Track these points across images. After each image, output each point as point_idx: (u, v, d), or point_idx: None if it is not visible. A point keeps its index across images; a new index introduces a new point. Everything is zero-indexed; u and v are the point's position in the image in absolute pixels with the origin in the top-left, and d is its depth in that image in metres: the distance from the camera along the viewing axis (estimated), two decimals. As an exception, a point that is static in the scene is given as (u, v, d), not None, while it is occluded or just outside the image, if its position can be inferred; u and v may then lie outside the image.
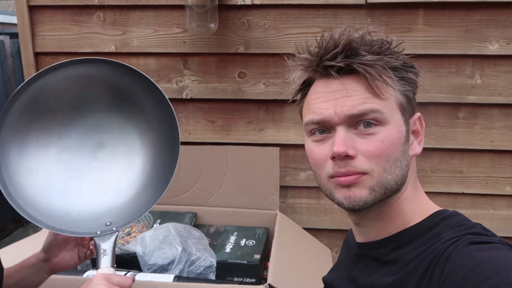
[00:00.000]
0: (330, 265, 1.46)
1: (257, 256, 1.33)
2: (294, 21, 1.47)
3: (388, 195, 0.59)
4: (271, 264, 1.15)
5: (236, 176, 1.57)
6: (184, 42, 1.53)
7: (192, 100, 1.59)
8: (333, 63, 0.58)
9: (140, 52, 1.56)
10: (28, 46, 1.58)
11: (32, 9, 1.56)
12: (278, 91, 1.55)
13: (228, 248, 1.38)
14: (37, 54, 1.60)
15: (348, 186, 0.58)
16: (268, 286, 1.04)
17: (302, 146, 1.55)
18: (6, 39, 3.67)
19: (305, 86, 0.66)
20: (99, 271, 0.74)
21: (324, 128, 0.60)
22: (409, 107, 0.61)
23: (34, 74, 0.79)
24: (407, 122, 0.61)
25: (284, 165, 1.62)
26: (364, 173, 0.57)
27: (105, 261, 0.77)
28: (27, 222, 3.55)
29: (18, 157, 0.81)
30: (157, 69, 1.58)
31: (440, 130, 1.51)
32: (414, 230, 0.60)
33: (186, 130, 1.62)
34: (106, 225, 0.82)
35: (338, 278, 0.72)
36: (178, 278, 1.16)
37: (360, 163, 0.57)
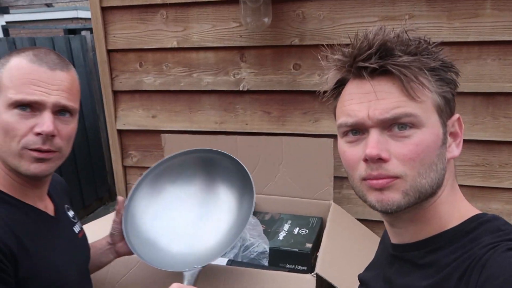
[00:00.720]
0: (384, 258, 1.45)
1: (309, 245, 1.36)
2: (349, 11, 1.44)
3: (422, 199, 0.58)
4: (320, 254, 1.18)
5: (290, 166, 1.60)
6: (241, 36, 1.58)
7: (248, 92, 1.64)
8: (366, 64, 0.57)
9: (200, 46, 1.64)
10: (102, 44, 1.74)
11: (104, 10, 1.70)
12: (334, 82, 1.53)
13: (281, 236, 1.43)
14: (109, 51, 1.76)
15: (380, 189, 0.57)
16: (315, 275, 1.07)
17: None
18: (88, 34, 4.01)
19: (339, 85, 0.65)
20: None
21: (358, 129, 0.60)
22: (447, 109, 0.60)
23: (164, 159, 1.20)
24: (444, 124, 0.59)
25: (339, 156, 1.62)
26: (397, 177, 0.56)
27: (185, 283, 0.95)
28: (109, 201, 3.89)
29: (142, 215, 1.12)
30: (216, 63, 1.65)
31: (510, 122, 1.40)
32: (450, 234, 0.59)
33: (243, 121, 1.68)
34: (193, 266, 1.00)
35: (374, 277, 0.72)
36: (231, 262, 1.23)
37: (393, 167, 0.56)
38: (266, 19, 1.43)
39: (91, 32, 4.11)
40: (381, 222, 1.72)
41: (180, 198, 1.18)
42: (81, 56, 3.92)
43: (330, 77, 0.65)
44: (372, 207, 0.60)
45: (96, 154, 4.12)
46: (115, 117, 1.83)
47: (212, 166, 1.18)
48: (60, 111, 0.79)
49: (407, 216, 0.61)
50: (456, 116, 0.61)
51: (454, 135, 0.61)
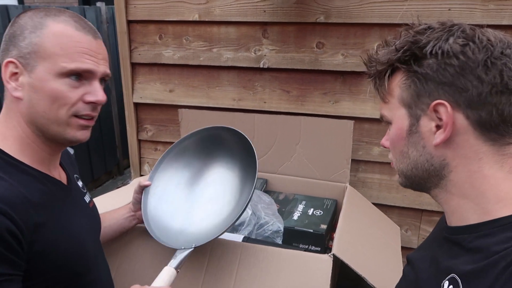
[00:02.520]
0: (398, 243, 1.45)
1: (324, 226, 1.35)
2: (379, -12, 1.40)
3: (418, 181, 0.66)
4: (337, 235, 1.17)
5: (308, 146, 1.58)
6: (264, 11, 1.54)
7: (268, 69, 1.62)
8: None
9: (222, 20, 1.61)
10: (122, 14, 1.71)
11: (126, -21, 1.67)
12: (357, 63, 1.50)
13: (295, 216, 1.43)
14: (129, 22, 1.73)
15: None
16: (332, 256, 1.07)
17: (378, 120, 1.53)
18: (103, 6, 3.96)
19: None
20: (165, 268, 0.90)
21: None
22: (418, 99, 0.62)
23: (182, 138, 1.20)
24: (414, 115, 0.63)
25: (358, 139, 1.60)
26: (392, 162, 0.70)
27: (173, 263, 0.93)
28: (117, 174, 3.90)
29: (162, 191, 1.15)
30: (237, 38, 1.61)
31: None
32: (506, 221, 0.57)
33: (261, 99, 1.66)
34: (191, 245, 1.01)
35: (422, 257, 0.72)
36: (247, 239, 1.23)
37: (390, 154, 0.71)
38: (293, -6, 1.39)
39: (107, 3, 4.07)
40: (395, 207, 1.71)
41: (189, 179, 1.20)
42: (96, 27, 3.88)
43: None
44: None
45: (107, 128, 4.12)
46: (132, 90, 1.81)
47: (218, 145, 1.19)
48: (102, 79, 0.82)
49: (439, 198, 0.66)
50: (434, 102, 0.60)
51: (436, 122, 0.61)
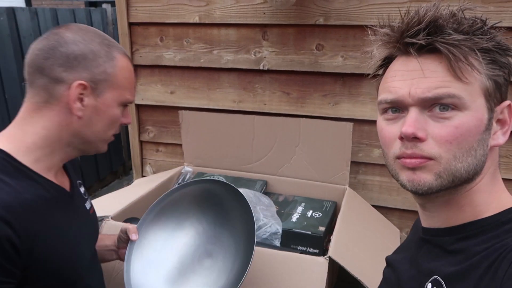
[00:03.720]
0: (397, 245, 1.44)
1: (322, 228, 1.35)
2: (378, -10, 1.40)
3: (457, 183, 0.56)
4: (333, 238, 1.17)
5: (307, 148, 1.58)
6: (264, 13, 1.54)
7: (268, 71, 1.62)
8: (413, 40, 0.55)
9: (222, 23, 1.61)
10: (123, 16, 1.73)
11: (127, -19, 1.68)
12: (357, 65, 1.50)
13: (294, 218, 1.43)
14: (130, 24, 1.74)
15: (413, 168, 0.56)
16: (328, 259, 1.07)
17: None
18: (108, 7, 3.99)
19: (386, 62, 0.63)
20: None
21: (398, 107, 0.59)
22: (497, 94, 0.57)
23: (172, 189, 1.09)
24: (491, 110, 0.56)
25: (358, 141, 1.59)
26: (431, 158, 0.55)
27: None
28: (123, 175, 3.92)
29: (147, 247, 1.06)
30: (237, 40, 1.62)
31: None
32: (485, 223, 0.57)
33: (261, 101, 1.66)
34: None
35: (402, 259, 0.71)
36: (244, 240, 1.23)
37: (428, 147, 0.55)
38: (291, -4, 1.40)
39: (112, 5, 4.10)
40: (396, 209, 1.71)
41: (178, 237, 1.10)
42: (101, 29, 3.91)
43: (376, 53, 0.63)
44: (403, 186, 0.58)
45: (113, 128, 4.16)
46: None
47: (213, 201, 1.09)
48: None
49: (440, 200, 0.60)
50: (507, 102, 0.58)
51: (502, 122, 0.58)
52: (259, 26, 1.58)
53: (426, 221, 0.65)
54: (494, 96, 0.56)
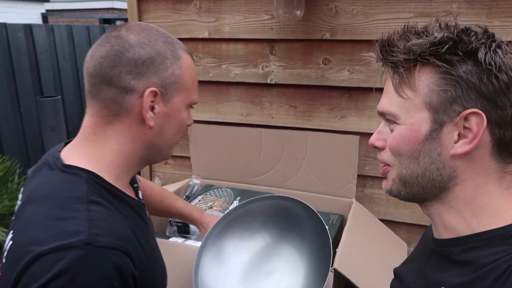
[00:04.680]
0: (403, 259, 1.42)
1: (328, 241, 1.35)
2: (384, 6, 1.42)
3: (416, 190, 0.62)
4: (339, 250, 1.17)
5: (314, 161, 1.59)
6: (272, 29, 1.58)
7: (276, 85, 1.64)
8: (377, 61, 0.64)
9: (231, 38, 1.65)
10: (135, 32, 1.78)
11: (140, -1, 1.74)
12: (363, 79, 1.52)
13: (300, 230, 1.43)
14: (142, 40, 1.79)
15: (383, 175, 0.67)
16: (333, 271, 1.06)
17: (383, 136, 1.52)
18: (122, 24, 4.11)
19: None
20: None
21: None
22: (449, 105, 0.57)
23: (238, 205, 1.13)
24: (439, 121, 0.58)
25: (365, 154, 1.60)
26: (388, 165, 0.64)
27: None
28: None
29: (212, 262, 1.07)
30: (245, 55, 1.65)
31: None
32: (492, 234, 0.57)
33: (269, 114, 1.68)
34: None
35: (409, 271, 0.72)
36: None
37: (386, 155, 0.65)
38: (298, 12, 1.43)
39: (126, 22, 4.21)
40: (403, 223, 1.69)
41: (245, 253, 1.11)
42: (114, 45, 4.02)
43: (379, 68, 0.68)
44: None
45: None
46: (144, 104, 1.87)
47: (280, 217, 1.10)
48: None
49: (432, 209, 0.63)
50: (468, 111, 0.56)
51: (466, 130, 0.58)
52: (266, 41, 1.61)
53: (436, 232, 0.66)
54: (445, 108, 0.57)
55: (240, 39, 1.64)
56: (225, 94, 1.74)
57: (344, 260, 1.13)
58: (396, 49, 0.59)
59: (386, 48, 0.61)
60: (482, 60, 0.55)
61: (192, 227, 1.39)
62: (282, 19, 1.46)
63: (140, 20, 1.76)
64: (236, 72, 1.68)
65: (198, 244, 1.24)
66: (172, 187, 1.70)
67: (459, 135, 0.57)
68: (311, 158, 1.59)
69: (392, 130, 0.62)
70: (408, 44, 0.58)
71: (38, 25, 3.49)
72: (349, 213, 1.44)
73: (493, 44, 0.56)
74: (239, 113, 1.73)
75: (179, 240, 1.31)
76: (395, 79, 0.60)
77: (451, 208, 0.61)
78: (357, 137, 1.50)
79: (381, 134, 0.65)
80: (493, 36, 0.57)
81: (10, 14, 6.17)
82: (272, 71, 1.63)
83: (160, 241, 1.22)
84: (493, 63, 0.55)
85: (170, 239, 1.30)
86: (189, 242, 1.27)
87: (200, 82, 1.76)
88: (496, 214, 0.58)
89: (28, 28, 3.32)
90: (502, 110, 0.56)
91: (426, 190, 0.61)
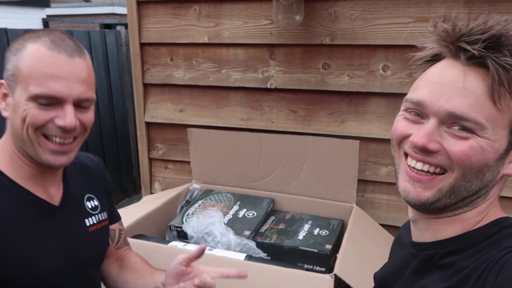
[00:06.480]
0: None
1: (329, 246, 1.34)
2: (383, 11, 1.42)
3: (453, 200, 0.57)
4: (339, 255, 1.16)
5: (314, 166, 1.59)
6: (271, 34, 1.58)
7: (276, 90, 1.64)
8: (468, 47, 0.53)
9: (230, 43, 1.65)
10: (135, 37, 1.78)
11: (140, 4, 1.74)
12: (363, 83, 1.52)
13: (301, 236, 1.42)
14: (142, 45, 1.80)
15: (414, 182, 0.58)
16: (333, 276, 1.06)
17: (384, 141, 1.52)
18: (122, 29, 4.11)
19: (434, 60, 0.61)
20: None
21: (419, 111, 0.58)
22: None
23: None
24: (511, 142, 0.55)
25: (365, 159, 1.59)
26: (441, 172, 0.56)
27: None
28: (133, 193, 3.93)
29: None
30: (245, 60, 1.66)
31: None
32: (471, 236, 0.57)
33: (268, 119, 1.68)
34: None
35: (390, 274, 0.71)
36: (249, 257, 1.23)
37: (443, 158, 0.55)
38: (297, 17, 1.43)
39: (126, 28, 4.22)
40: (405, 228, 1.67)
41: None
42: (115, 50, 4.02)
43: (428, 46, 0.60)
44: (399, 191, 0.61)
45: (124, 146, 4.21)
46: (144, 109, 1.87)
47: None
48: (80, 102, 0.78)
49: (437, 216, 0.61)
50: None
51: None
52: (266, 46, 1.61)
53: (416, 235, 0.65)
54: None
55: (240, 44, 1.64)
56: (225, 99, 1.74)
57: (344, 265, 1.12)
58: (507, 52, 0.52)
59: (492, 43, 0.52)
60: None
61: (189, 232, 1.39)
62: (282, 24, 1.46)
63: (140, 25, 1.77)
64: (236, 77, 1.68)
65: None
66: (171, 192, 1.70)
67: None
68: (311, 162, 1.59)
69: (464, 138, 0.54)
70: None
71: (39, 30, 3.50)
72: (350, 218, 1.44)
73: None
74: (239, 118, 1.73)
75: (179, 244, 1.30)
76: (496, 83, 0.52)
77: (458, 215, 0.59)
78: (357, 141, 1.49)
79: (434, 136, 0.55)
80: None
81: (10, 20, 6.19)
82: (272, 76, 1.63)
83: (159, 246, 1.23)
84: None
85: (170, 244, 1.30)
86: (189, 247, 1.26)
87: (200, 87, 1.76)
88: (475, 216, 0.59)
89: (29, 34, 3.33)
90: None
91: (461, 203, 0.57)
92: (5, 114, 0.77)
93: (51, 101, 0.74)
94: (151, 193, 1.98)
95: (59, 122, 0.75)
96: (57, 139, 0.77)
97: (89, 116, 0.81)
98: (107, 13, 7.32)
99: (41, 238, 0.79)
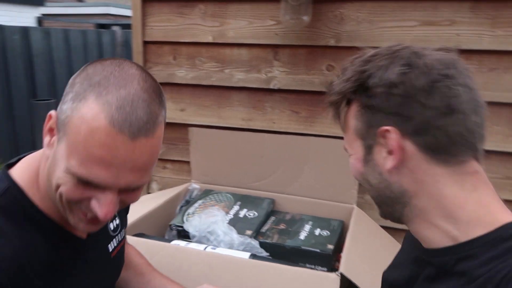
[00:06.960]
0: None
1: (331, 246, 1.34)
2: (389, 14, 1.44)
3: (385, 209, 0.67)
4: (344, 255, 1.17)
5: (315, 167, 1.59)
6: (276, 34, 1.59)
7: (279, 90, 1.65)
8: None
9: (235, 43, 1.65)
10: (139, 35, 1.77)
11: (144, 1, 1.74)
12: (366, 86, 1.53)
13: (302, 236, 1.42)
14: (145, 43, 1.79)
15: None
16: (339, 275, 1.06)
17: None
18: (118, 30, 4.10)
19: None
20: None
21: None
22: (370, 129, 0.63)
23: None
24: (368, 146, 0.64)
25: (366, 161, 1.60)
26: None
27: None
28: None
29: None
30: (249, 60, 1.66)
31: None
32: (483, 241, 0.56)
33: (270, 119, 1.68)
34: None
35: (401, 278, 0.71)
36: (254, 256, 1.23)
37: None
38: (305, 17, 1.44)
39: (122, 28, 4.21)
40: (403, 230, 1.68)
41: None
42: (110, 50, 4.00)
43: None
44: None
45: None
46: (145, 107, 1.85)
47: None
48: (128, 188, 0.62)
49: (410, 226, 0.65)
50: (380, 129, 0.61)
51: (383, 147, 0.62)
52: (271, 47, 1.62)
53: (422, 242, 0.66)
54: (368, 132, 0.63)
55: (244, 44, 1.64)
56: (227, 99, 1.73)
57: (349, 264, 1.12)
58: (330, 93, 0.68)
59: (328, 93, 0.69)
60: (374, 82, 0.60)
61: (191, 231, 1.37)
62: (289, 24, 1.47)
63: (144, 23, 1.76)
64: (239, 77, 1.68)
65: (201, 247, 1.23)
66: (171, 191, 1.69)
67: (388, 152, 0.61)
68: (312, 164, 1.59)
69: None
70: (332, 87, 0.67)
71: (34, 28, 3.46)
72: (351, 219, 1.44)
73: (388, 62, 0.60)
74: (241, 118, 1.72)
75: (181, 243, 1.29)
76: (336, 119, 0.70)
77: (421, 221, 0.62)
78: (360, 143, 1.50)
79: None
80: (396, 52, 0.61)
81: (5, 18, 6.11)
82: (276, 77, 1.63)
83: (163, 244, 1.21)
84: (383, 82, 0.60)
85: (172, 242, 1.28)
86: (192, 246, 1.25)
87: (202, 86, 1.75)
88: (474, 220, 0.57)
89: (25, 31, 3.30)
90: (411, 119, 0.58)
91: (392, 208, 0.64)
92: (47, 152, 0.62)
93: (92, 184, 0.59)
94: (148, 192, 1.96)
95: (94, 207, 0.60)
96: (91, 215, 0.63)
97: (135, 197, 0.66)
98: (102, 13, 7.29)
99: (80, 275, 0.73)
